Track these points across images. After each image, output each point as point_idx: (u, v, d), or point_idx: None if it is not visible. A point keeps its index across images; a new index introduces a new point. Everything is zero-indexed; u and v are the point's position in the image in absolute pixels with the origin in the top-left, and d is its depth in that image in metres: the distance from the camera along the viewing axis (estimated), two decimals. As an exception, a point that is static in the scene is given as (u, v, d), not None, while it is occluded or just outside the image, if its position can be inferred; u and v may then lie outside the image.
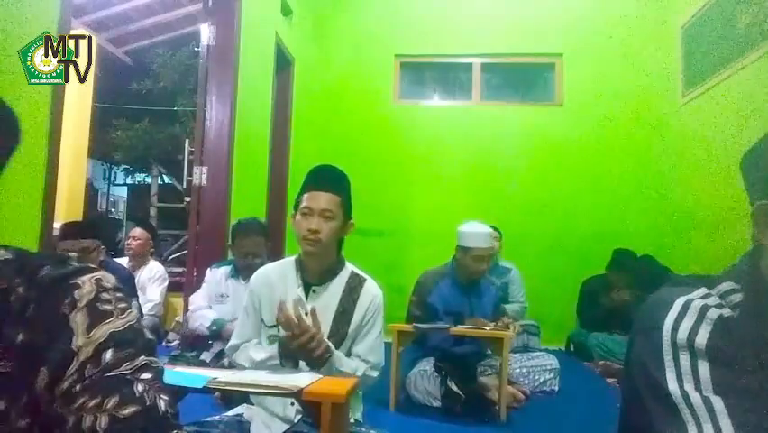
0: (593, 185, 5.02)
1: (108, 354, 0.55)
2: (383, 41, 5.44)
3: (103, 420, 0.52)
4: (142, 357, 0.57)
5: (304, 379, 1.27)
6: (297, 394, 1.18)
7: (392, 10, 5.48)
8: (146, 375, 0.56)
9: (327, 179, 1.62)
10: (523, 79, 5.75)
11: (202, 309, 2.93)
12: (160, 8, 5.89)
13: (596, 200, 4.98)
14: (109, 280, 0.60)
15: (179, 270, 4.77)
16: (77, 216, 5.27)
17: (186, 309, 3.48)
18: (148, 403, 0.54)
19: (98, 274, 0.60)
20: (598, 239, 4.63)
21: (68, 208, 5.11)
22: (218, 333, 2.82)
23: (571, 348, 4.37)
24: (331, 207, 1.56)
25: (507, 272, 3.79)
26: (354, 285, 1.64)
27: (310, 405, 1.23)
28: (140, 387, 0.55)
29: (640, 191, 4.93)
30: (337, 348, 1.54)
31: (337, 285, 1.63)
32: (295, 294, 1.60)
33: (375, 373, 1.62)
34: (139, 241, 4.04)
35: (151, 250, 4.26)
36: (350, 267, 1.69)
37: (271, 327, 1.60)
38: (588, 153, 5.07)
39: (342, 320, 1.60)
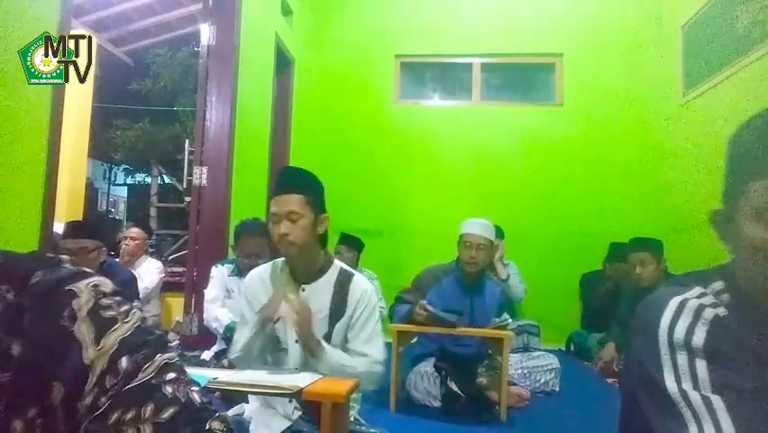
0: (593, 185, 5.02)
1: (124, 362, 0.54)
2: (383, 41, 5.44)
3: (147, 430, 0.51)
4: (158, 356, 0.56)
5: (304, 379, 1.28)
6: (298, 394, 1.18)
7: (392, 10, 5.48)
8: (170, 375, 0.55)
9: (287, 180, 1.63)
10: (523, 79, 5.74)
11: (216, 304, 2.95)
12: (160, 8, 5.88)
13: (596, 200, 4.98)
14: (106, 284, 0.58)
15: (179, 270, 4.76)
16: (77, 216, 5.26)
17: (186, 309, 3.50)
18: (183, 400, 0.54)
19: (95, 279, 0.57)
20: (599, 239, 4.63)
21: (68, 208, 5.11)
22: (231, 338, 2.83)
23: (572, 348, 4.37)
24: (295, 207, 1.56)
25: (505, 266, 3.90)
26: (344, 281, 1.66)
27: (310, 405, 1.23)
28: (169, 388, 0.54)
29: (640, 191, 4.93)
30: (335, 346, 1.56)
31: (326, 282, 1.65)
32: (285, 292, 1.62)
33: (377, 368, 1.61)
34: (136, 241, 4.02)
35: (151, 250, 4.26)
36: (338, 264, 1.71)
37: None
38: (588, 153, 5.07)
39: (336, 318, 1.62)
